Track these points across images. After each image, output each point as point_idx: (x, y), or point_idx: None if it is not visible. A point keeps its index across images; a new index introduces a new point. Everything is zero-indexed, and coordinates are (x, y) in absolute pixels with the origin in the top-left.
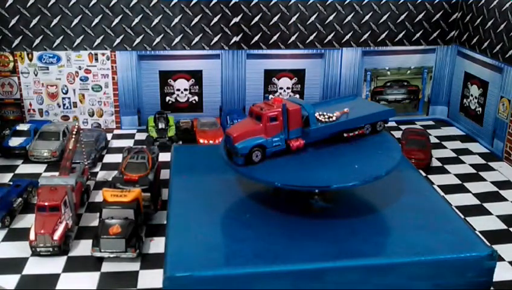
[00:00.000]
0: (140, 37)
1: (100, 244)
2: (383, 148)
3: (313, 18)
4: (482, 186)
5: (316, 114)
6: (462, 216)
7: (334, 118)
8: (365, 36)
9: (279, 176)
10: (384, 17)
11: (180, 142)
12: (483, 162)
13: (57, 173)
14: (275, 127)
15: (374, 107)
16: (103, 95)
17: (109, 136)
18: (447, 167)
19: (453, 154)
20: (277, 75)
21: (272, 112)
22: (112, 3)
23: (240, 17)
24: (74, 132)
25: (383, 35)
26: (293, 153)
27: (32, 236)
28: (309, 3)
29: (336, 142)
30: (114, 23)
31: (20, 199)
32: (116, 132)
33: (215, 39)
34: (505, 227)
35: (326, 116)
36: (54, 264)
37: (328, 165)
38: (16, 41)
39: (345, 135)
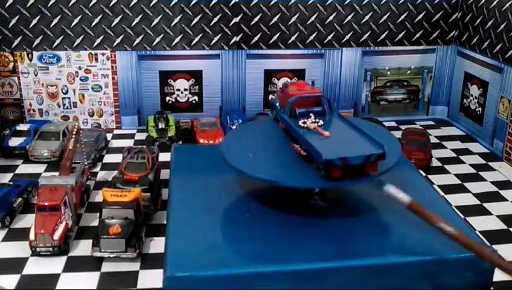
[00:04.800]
0: (140, 37)
1: (100, 244)
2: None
3: (313, 18)
4: (481, 186)
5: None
6: (462, 216)
7: (310, 124)
8: (365, 36)
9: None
10: (384, 17)
11: (180, 142)
12: (483, 162)
13: (57, 173)
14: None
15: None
16: (103, 95)
17: (109, 136)
18: (447, 167)
19: (453, 154)
20: (277, 75)
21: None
22: (111, 3)
23: (240, 17)
24: (74, 132)
25: (383, 35)
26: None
27: (32, 236)
28: (309, 3)
29: None
30: (114, 23)
31: (20, 199)
32: (116, 132)
33: (215, 39)
34: (505, 227)
35: (314, 121)
36: (54, 264)
37: None
38: (16, 41)
39: (292, 144)
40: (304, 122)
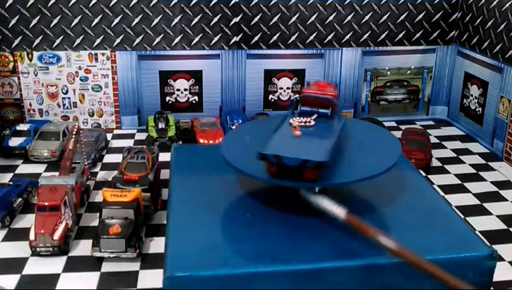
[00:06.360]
0: (140, 37)
1: (100, 244)
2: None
3: (313, 18)
4: (481, 186)
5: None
6: (462, 216)
7: (294, 122)
8: (365, 36)
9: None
10: (384, 17)
11: (180, 142)
12: (483, 162)
13: (57, 173)
14: None
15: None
16: (103, 95)
17: (109, 136)
18: (447, 167)
19: (453, 154)
20: (277, 75)
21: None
22: (111, 3)
23: (240, 17)
24: (74, 132)
25: (383, 35)
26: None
27: (32, 236)
28: (309, 3)
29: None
30: (114, 23)
31: (20, 199)
32: (116, 132)
33: (215, 39)
34: (505, 227)
35: (302, 120)
36: (54, 264)
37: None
38: (16, 41)
39: None
40: (294, 120)
